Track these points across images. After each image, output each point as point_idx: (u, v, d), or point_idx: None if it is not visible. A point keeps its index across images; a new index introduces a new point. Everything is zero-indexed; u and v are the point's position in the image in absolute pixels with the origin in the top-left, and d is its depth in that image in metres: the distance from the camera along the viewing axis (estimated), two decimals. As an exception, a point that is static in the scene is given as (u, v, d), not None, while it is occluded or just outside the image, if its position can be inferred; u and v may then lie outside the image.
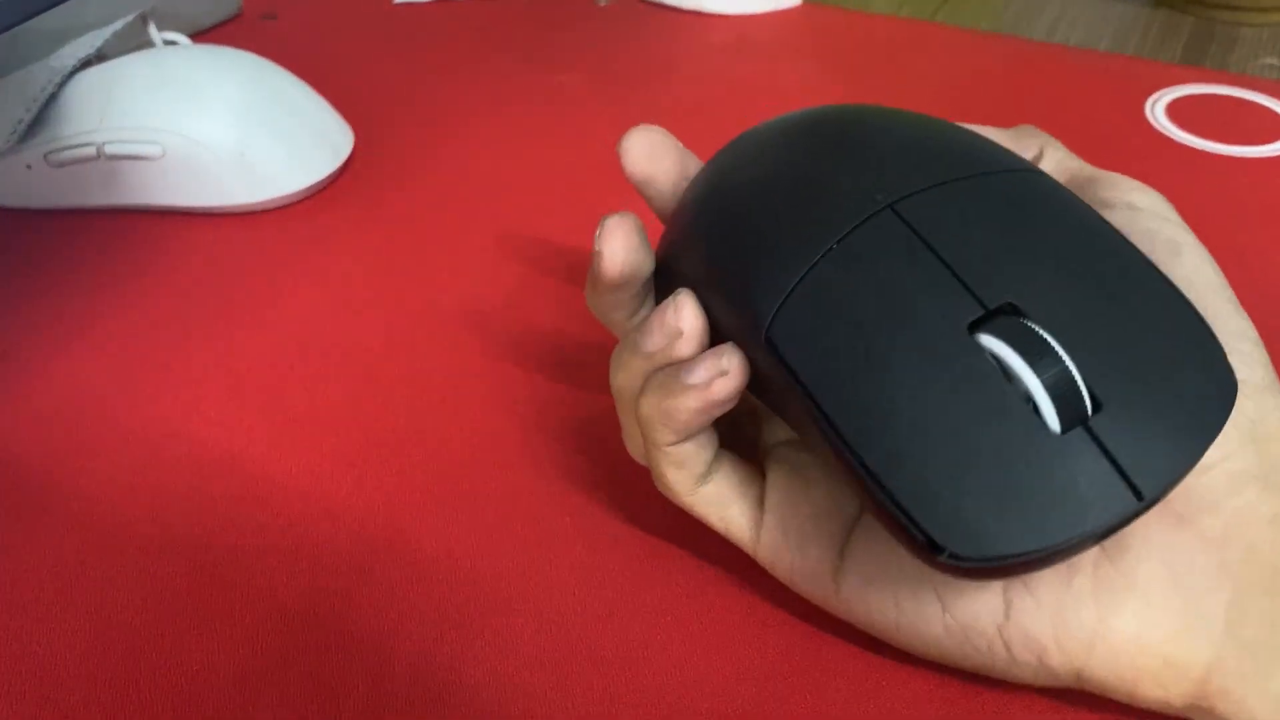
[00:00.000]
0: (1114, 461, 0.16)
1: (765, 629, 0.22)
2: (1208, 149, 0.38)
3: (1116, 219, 0.20)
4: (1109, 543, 0.18)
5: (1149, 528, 0.18)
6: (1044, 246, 0.18)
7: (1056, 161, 0.23)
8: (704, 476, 0.21)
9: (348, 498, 0.25)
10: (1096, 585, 0.18)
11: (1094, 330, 0.17)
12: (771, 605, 0.22)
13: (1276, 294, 0.30)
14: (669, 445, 0.20)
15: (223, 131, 0.35)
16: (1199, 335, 0.17)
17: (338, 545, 0.24)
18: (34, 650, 0.22)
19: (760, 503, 0.21)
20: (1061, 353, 0.17)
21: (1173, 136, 0.38)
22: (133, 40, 0.39)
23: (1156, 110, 0.40)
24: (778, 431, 0.22)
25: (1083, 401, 0.16)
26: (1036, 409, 0.16)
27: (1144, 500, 0.16)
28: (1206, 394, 0.17)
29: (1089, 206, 0.19)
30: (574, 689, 0.21)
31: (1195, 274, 0.19)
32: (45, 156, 0.35)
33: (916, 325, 0.17)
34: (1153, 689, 0.18)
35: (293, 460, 0.26)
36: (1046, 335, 0.17)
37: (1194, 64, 0.46)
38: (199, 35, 0.49)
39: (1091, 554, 0.18)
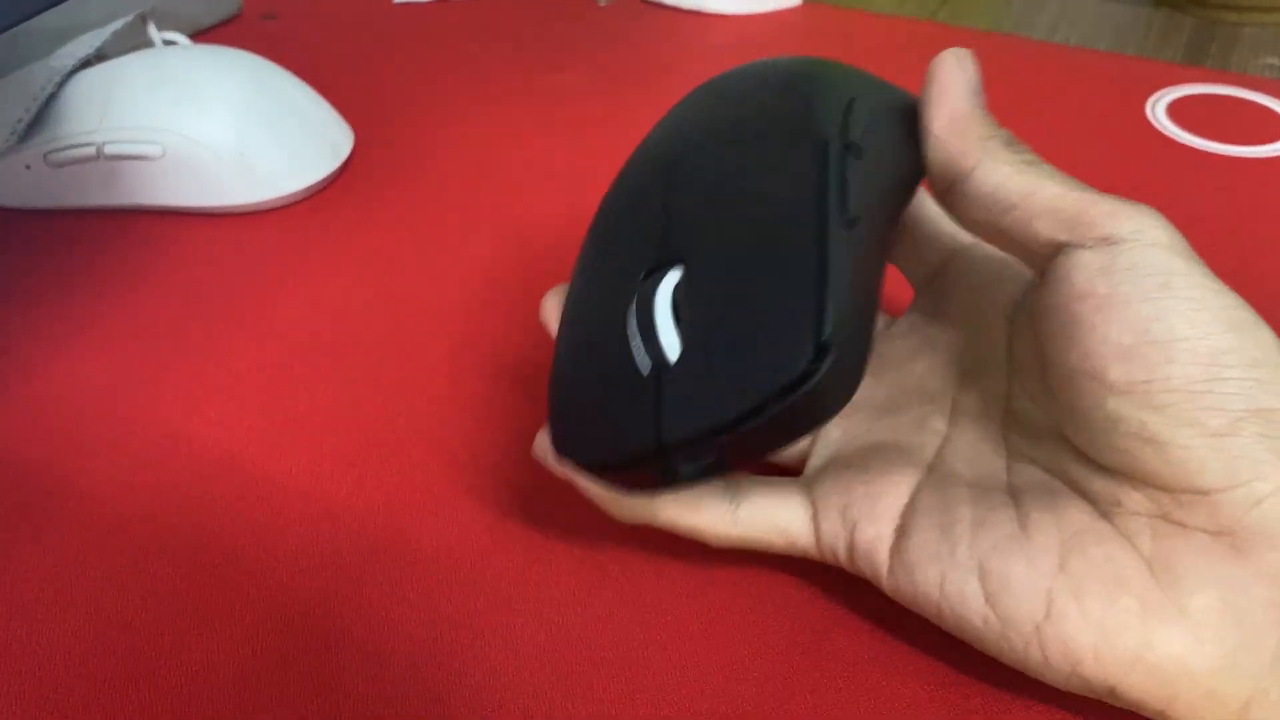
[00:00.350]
0: (658, 404, 0.18)
1: (765, 629, 0.22)
2: (1208, 149, 0.38)
3: (1093, 260, 0.18)
4: (1159, 569, 0.18)
5: (1203, 558, 0.18)
6: (738, 204, 0.19)
7: (997, 177, 0.19)
8: (731, 502, 0.21)
9: (348, 498, 0.25)
10: (1145, 608, 0.18)
11: (723, 284, 0.18)
12: (771, 605, 0.22)
13: (1278, 294, 0.30)
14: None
15: (222, 131, 0.35)
16: (802, 312, 0.18)
17: (338, 545, 0.24)
18: (34, 651, 0.22)
19: (806, 497, 0.21)
20: (661, 301, 0.19)
21: (1173, 136, 0.38)
22: (132, 40, 0.39)
23: (1157, 110, 0.40)
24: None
25: (662, 348, 0.18)
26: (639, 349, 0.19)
27: (661, 442, 0.18)
28: (768, 366, 0.17)
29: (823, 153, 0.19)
30: (574, 689, 0.21)
31: (1192, 309, 0.18)
32: (45, 156, 0.35)
33: (614, 271, 0.20)
34: (1187, 714, 0.18)
35: (293, 460, 0.26)
36: (661, 293, 0.19)
37: (1194, 64, 0.46)
38: (199, 35, 0.49)
39: (1141, 577, 0.18)
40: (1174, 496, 0.18)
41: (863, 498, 0.21)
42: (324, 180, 0.37)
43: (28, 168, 0.36)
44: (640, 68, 0.46)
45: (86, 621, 0.23)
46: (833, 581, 0.23)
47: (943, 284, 0.24)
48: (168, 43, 0.40)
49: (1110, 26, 0.50)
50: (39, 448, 0.27)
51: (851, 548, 0.21)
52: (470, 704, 0.21)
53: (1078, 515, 0.19)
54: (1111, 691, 0.18)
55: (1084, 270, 0.18)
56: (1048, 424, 0.20)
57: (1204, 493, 0.17)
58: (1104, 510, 0.19)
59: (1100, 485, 0.19)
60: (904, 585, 0.20)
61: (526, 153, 0.39)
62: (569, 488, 0.25)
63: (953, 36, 0.47)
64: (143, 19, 0.39)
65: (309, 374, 0.29)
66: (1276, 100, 0.40)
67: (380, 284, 0.33)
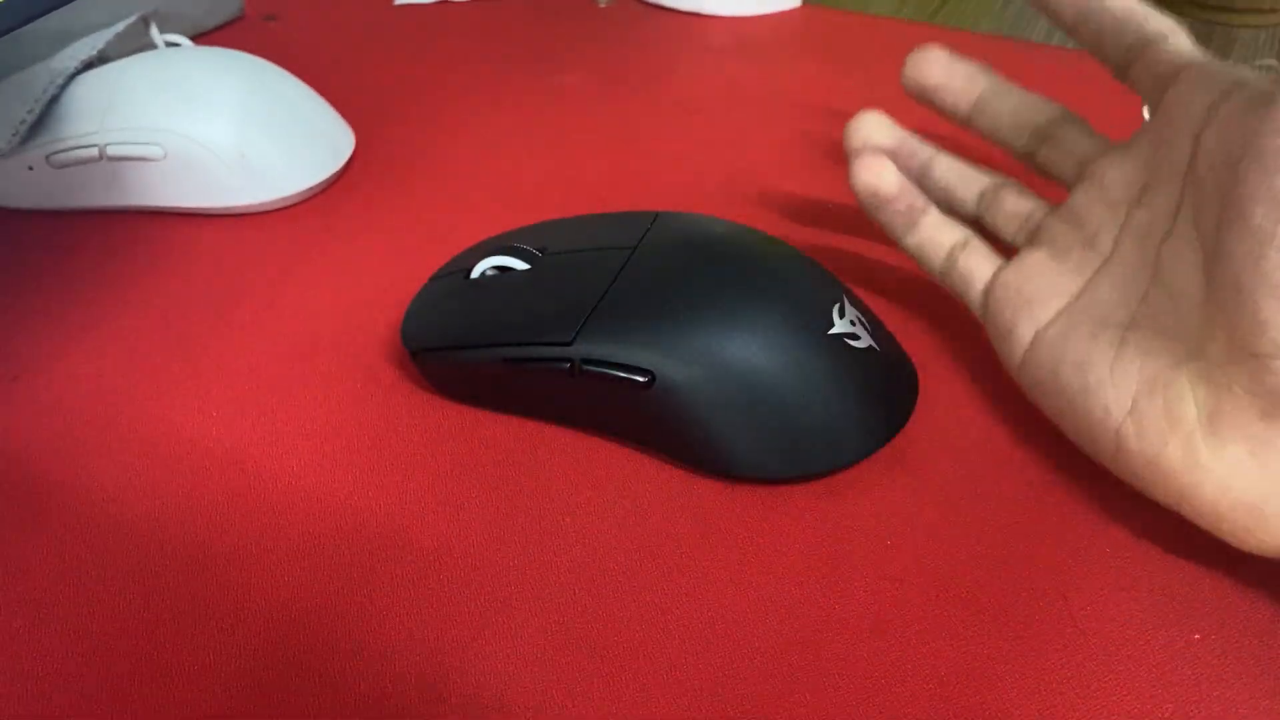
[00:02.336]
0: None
1: (764, 629, 0.22)
2: (1207, 150, 0.37)
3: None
4: (1204, 420, 0.21)
5: (1240, 415, 0.20)
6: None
7: (1176, 48, 0.24)
8: (948, 258, 0.28)
9: (348, 498, 0.25)
10: (1186, 456, 0.21)
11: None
12: (771, 605, 0.22)
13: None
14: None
15: (224, 133, 0.35)
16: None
17: (338, 545, 0.24)
18: (34, 650, 0.22)
19: (994, 274, 0.26)
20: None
21: (1172, 138, 0.38)
22: (135, 42, 0.39)
23: (1156, 111, 0.40)
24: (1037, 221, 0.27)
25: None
26: None
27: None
28: None
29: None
30: (574, 688, 0.21)
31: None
32: (47, 158, 0.35)
33: None
34: (1244, 539, 0.21)
35: (293, 460, 0.26)
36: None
37: (1194, 65, 0.46)
38: (200, 37, 0.49)
39: (1187, 425, 0.21)
40: (1235, 350, 0.20)
41: (1020, 306, 0.25)
42: (325, 181, 0.37)
43: (30, 169, 0.36)
44: (640, 69, 0.46)
45: (87, 621, 0.23)
46: (832, 581, 0.23)
47: (1163, 99, 0.24)
48: (170, 45, 0.40)
49: (1110, 28, 0.50)
50: (39, 448, 0.27)
51: (997, 332, 0.26)
52: (470, 704, 0.21)
53: (1159, 362, 0.22)
54: (1179, 506, 0.22)
55: None
56: (1195, 256, 0.22)
57: (1255, 356, 0.19)
58: (1191, 349, 0.21)
59: (1202, 323, 0.21)
60: (1030, 384, 0.25)
61: (526, 154, 0.40)
62: (567, 488, 0.25)
63: (952, 38, 0.47)
64: (145, 21, 0.39)
65: (310, 374, 0.29)
66: (1275, 102, 0.40)
67: (381, 285, 0.33)
